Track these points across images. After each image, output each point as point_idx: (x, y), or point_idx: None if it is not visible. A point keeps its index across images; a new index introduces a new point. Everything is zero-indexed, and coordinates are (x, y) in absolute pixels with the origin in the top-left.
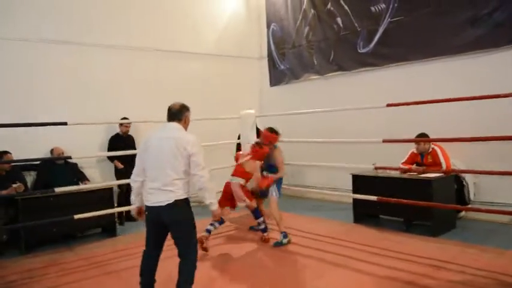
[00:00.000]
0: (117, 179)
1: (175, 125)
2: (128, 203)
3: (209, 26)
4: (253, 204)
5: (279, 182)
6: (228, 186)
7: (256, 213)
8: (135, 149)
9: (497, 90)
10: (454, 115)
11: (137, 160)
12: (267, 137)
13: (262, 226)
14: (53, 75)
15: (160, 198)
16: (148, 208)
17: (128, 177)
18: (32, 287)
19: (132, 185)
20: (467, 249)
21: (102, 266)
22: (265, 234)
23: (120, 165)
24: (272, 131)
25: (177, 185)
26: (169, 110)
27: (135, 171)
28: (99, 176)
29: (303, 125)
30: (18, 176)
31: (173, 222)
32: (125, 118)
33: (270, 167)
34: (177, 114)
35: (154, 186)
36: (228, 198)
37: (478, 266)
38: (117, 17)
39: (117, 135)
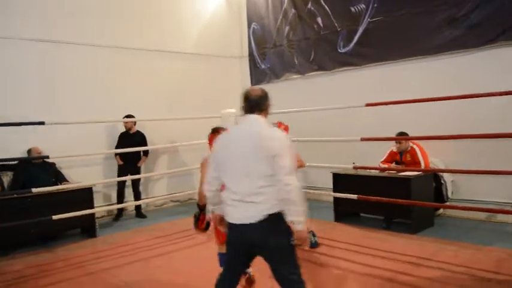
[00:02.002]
0: (118, 175)
1: (256, 117)
2: (122, 201)
3: (190, 25)
4: None
5: None
6: None
7: None
8: (143, 145)
9: (475, 89)
10: (433, 114)
11: (211, 168)
12: None
13: None
14: (43, 75)
15: (243, 213)
16: (229, 225)
17: (126, 174)
18: None
19: (205, 194)
20: (446, 246)
21: (82, 267)
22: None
23: (120, 162)
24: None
25: (265, 194)
26: (247, 98)
27: (207, 177)
28: (97, 174)
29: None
30: None
31: (264, 244)
32: (129, 116)
33: None
34: (259, 103)
35: (236, 198)
36: None
37: (457, 262)
38: (100, 16)
39: (125, 132)
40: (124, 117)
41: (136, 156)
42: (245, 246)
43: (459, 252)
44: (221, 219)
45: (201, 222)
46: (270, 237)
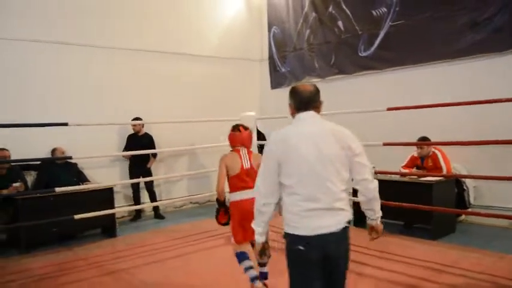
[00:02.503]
0: (130, 177)
1: (315, 114)
2: (138, 202)
3: (211, 28)
4: None
5: None
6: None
7: None
8: (150, 147)
9: (498, 94)
10: (455, 119)
11: (266, 173)
12: None
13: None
14: (60, 77)
15: (327, 222)
16: (305, 239)
17: (138, 175)
18: (31, 287)
19: (261, 209)
20: (468, 253)
21: (102, 267)
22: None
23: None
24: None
25: (345, 200)
26: (302, 93)
27: (265, 190)
28: (113, 175)
29: None
30: (19, 176)
31: (342, 256)
32: (137, 119)
33: None
34: (313, 99)
35: (316, 207)
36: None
37: (480, 270)
38: (120, 20)
39: (133, 134)
40: (132, 120)
41: (146, 158)
42: (321, 259)
43: (482, 259)
44: (267, 245)
45: (221, 216)
46: (346, 246)
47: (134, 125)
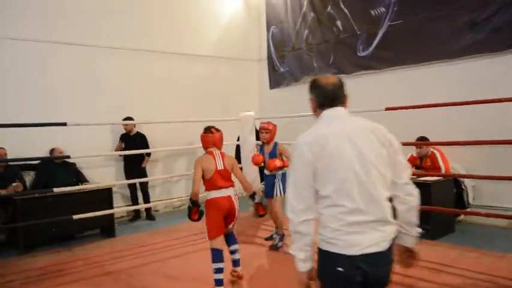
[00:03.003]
0: (126, 177)
1: (344, 110)
2: (136, 202)
3: (209, 28)
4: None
5: (283, 179)
6: (225, 200)
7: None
8: (144, 147)
9: (496, 94)
10: (453, 119)
11: (300, 184)
12: (275, 129)
13: (237, 256)
14: (58, 76)
15: (373, 238)
16: (346, 259)
17: (132, 176)
18: (30, 287)
19: (299, 230)
20: (467, 252)
21: (101, 267)
22: (238, 268)
23: (121, 145)
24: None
25: (389, 209)
26: (325, 87)
27: (300, 205)
28: (108, 174)
29: (303, 127)
30: (17, 175)
31: (386, 279)
32: (129, 118)
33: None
34: (339, 94)
35: (361, 220)
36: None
37: (478, 270)
38: (117, 19)
39: (125, 134)
40: (124, 119)
41: (140, 158)
42: (364, 284)
43: (481, 259)
44: (314, 275)
45: (193, 213)
46: (391, 267)
47: (126, 125)
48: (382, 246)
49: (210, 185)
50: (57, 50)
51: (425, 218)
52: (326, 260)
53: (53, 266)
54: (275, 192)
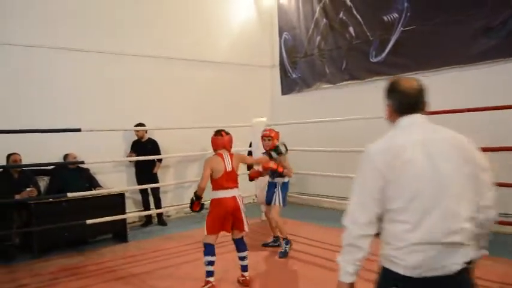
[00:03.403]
0: (138, 183)
1: (425, 118)
2: (148, 207)
3: (222, 34)
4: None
5: (283, 188)
6: (230, 201)
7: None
8: (155, 153)
9: (510, 100)
10: (467, 125)
11: (365, 196)
12: (277, 136)
13: (245, 262)
14: (71, 83)
15: (444, 261)
16: (404, 280)
17: (144, 181)
18: None
19: (356, 243)
20: (481, 260)
21: (113, 272)
22: (245, 273)
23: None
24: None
25: (468, 231)
26: (407, 91)
27: (363, 218)
28: (119, 180)
29: (314, 133)
30: (31, 181)
31: None
32: (140, 124)
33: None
34: (423, 98)
35: (431, 240)
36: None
37: (492, 278)
38: (130, 26)
39: (137, 140)
40: (135, 125)
41: (151, 163)
42: None
43: (494, 267)
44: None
45: (195, 205)
46: None
47: (137, 131)
48: (450, 271)
49: (217, 185)
50: (70, 56)
51: None
52: (386, 277)
53: (66, 271)
54: (273, 201)
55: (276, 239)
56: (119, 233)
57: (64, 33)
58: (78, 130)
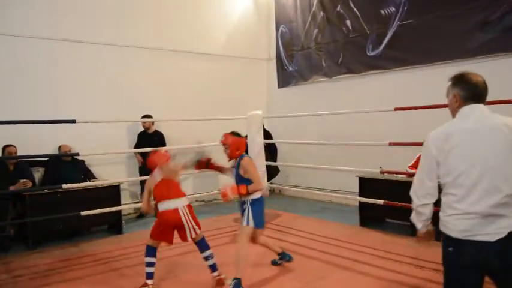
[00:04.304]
0: (140, 174)
1: (484, 107)
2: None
3: (218, 26)
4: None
5: (256, 205)
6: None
7: (205, 242)
8: (161, 144)
9: (508, 95)
10: None
11: (424, 173)
12: (236, 143)
13: (211, 262)
14: (70, 74)
15: (488, 228)
16: (461, 243)
17: (148, 173)
18: (38, 282)
19: (418, 210)
20: None
21: (108, 263)
22: (215, 274)
23: (140, 159)
24: (236, 134)
25: (510, 204)
26: (476, 84)
27: (421, 191)
28: (121, 172)
29: (310, 127)
30: (26, 172)
31: (508, 267)
32: (147, 116)
33: (240, 182)
34: (486, 91)
35: (477, 210)
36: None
37: None
38: (129, 18)
39: (144, 131)
40: (142, 117)
41: None
42: (479, 267)
43: None
44: (430, 234)
45: (198, 166)
46: (507, 257)
47: (144, 122)
48: (493, 237)
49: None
50: (68, 48)
51: (433, 219)
52: (444, 239)
53: (61, 262)
54: (243, 221)
55: (282, 255)
56: (114, 225)
57: (61, 25)
58: (73, 121)
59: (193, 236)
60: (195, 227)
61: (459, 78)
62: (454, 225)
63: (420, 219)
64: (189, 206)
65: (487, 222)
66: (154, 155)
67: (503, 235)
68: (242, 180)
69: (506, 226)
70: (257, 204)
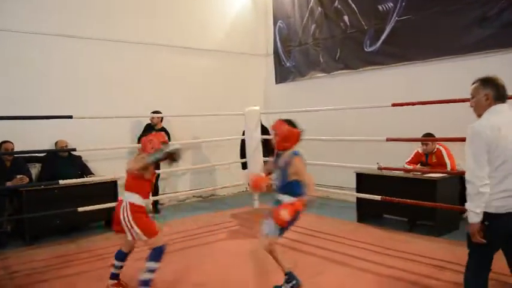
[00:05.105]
0: None
1: (509, 106)
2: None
3: (216, 22)
4: (155, 239)
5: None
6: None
7: (156, 253)
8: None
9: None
10: (461, 115)
11: (480, 158)
12: (286, 133)
13: (146, 276)
14: (68, 69)
15: None
16: (501, 216)
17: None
18: (35, 278)
19: (481, 190)
20: None
21: (105, 259)
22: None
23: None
24: (291, 123)
25: None
26: (502, 86)
27: (482, 173)
28: (120, 168)
29: (308, 122)
30: (23, 168)
31: None
32: (157, 112)
33: (286, 186)
34: (506, 92)
35: (510, 190)
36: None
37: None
38: (126, 13)
39: (149, 125)
40: (152, 113)
41: None
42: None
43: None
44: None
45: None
46: None
47: (153, 118)
48: None
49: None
50: (65, 43)
51: (430, 215)
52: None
53: (58, 258)
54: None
55: (289, 276)
56: (111, 221)
57: (60, 20)
58: (70, 117)
59: (136, 239)
60: (137, 231)
61: (491, 80)
62: (494, 202)
63: (481, 200)
64: (136, 207)
65: None
66: (151, 136)
67: None
68: (286, 180)
69: None
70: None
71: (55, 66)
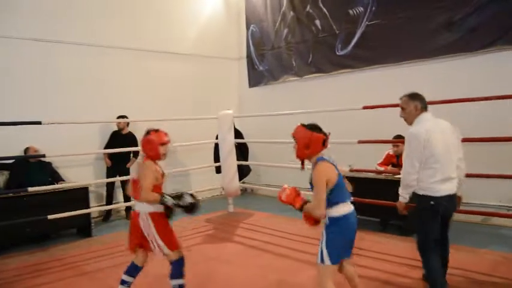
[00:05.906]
0: (107, 175)
1: (432, 114)
2: (110, 201)
3: (188, 25)
4: (174, 254)
5: (333, 229)
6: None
7: (177, 268)
8: (133, 146)
9: (471, 93)
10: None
11: (415, 157)
12: (305, 138)
13: None
14: (38, 74)
15: (451, 186)
16: (437, 198)
17: (116, 173)
18: None
19: (412, 184)
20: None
21: (77, 267)
22: None
23: (108, 162)
24: (312, 127)
25: (457, 171)
26: (424, 98)
27: (413, 169)
28: (89, 174)
29: (281, 126)
30: None
31: (453, 212)
32: (123, 116)
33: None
34: None
35: (446, 176)
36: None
37: (452, 265)
38: (96, 17)
39: (116, 132)
40: (117, 118)
41: (126, 157)
42: (443, 213)
43: (454, 254)
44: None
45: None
46: (456, 204)
47: (119, 123)
48: (453, 191)
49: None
50: (37, 47)
51: (401, 215)
52: (423, 199)
53: (29, 267)
54: (318, 256)
55: None
56: (82, 228)
57: (32, 24)
58: (39, 123)
59: (158, 251)
60: (160, 243)
61: (417, 95)
62: (436, 187)
63: (409, 190)
64: (157, 215)
65: (450, 182)
66: (152, 135)
67: (455, 189)
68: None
69: (457, 184)
70: (336, 226)
71: (24, 72)
